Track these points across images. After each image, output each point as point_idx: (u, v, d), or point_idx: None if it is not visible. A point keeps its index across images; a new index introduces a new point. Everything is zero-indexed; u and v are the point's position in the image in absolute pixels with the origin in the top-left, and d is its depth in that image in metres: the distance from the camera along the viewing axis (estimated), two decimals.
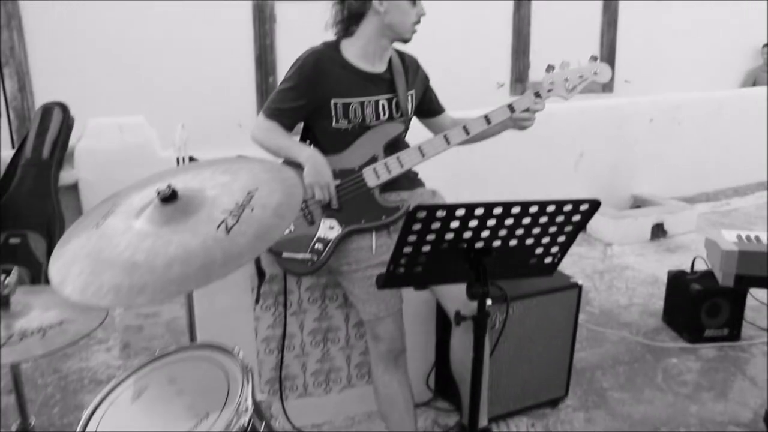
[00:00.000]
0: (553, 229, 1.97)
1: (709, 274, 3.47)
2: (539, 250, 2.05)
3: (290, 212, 1.40)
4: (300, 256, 2.40)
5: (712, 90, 7.17)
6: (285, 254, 2.40)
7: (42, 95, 6.14)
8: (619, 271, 4.79)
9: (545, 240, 2.01)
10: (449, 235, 1.87)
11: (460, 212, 1.81)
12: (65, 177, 4.50)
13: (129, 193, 1.63)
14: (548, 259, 2.11)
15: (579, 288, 2.89)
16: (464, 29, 7.55)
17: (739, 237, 2.62)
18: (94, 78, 6.16)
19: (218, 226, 1.36)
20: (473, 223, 1.85)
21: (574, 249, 5.16)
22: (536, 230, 1.95)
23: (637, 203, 5.97)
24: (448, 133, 2.45)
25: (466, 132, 2.45)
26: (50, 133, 4.41)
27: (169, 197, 1.44)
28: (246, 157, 1.80)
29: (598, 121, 5.79)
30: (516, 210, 1.85)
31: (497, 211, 1.83)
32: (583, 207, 1.91)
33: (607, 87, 8.43)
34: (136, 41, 6.25)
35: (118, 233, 1.45)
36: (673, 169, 6.24)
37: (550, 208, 1.88)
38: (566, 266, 4.76)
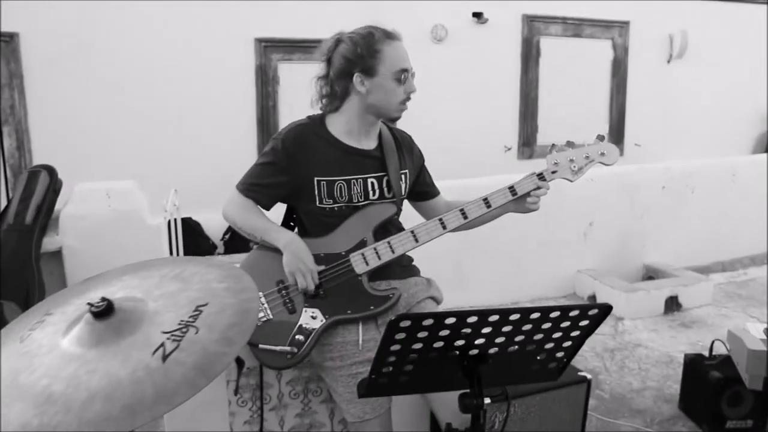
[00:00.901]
0: (558, 335, 1.74)
1: (729, 359, 3.21)
2: (542, 356, 1.82)
3: (241, 337, 1.17)
4: (278, 348, 2.17)
5: (723, 156, 6.99)
6: (262, 346, 2.17)
7: (40, 154, 6.04)
8: (631, 349, 4.52)
9: (549, 345, 1.78)
10: (438, 343, 1.64)
11: (451, 320, 1.58)
12: (49, 243, 4.31)
13: (67, 298, 1.41)
14: (552, 365, 1.88)
15: (588, 383, 2.64)
16: (471, 93, 7.46)
17: (767, 332, 2.38)
18: (93, 139, 6.07)
19: (154, 352, 1.14)
20: (466, 330, 1.63)
21: None
22: (539, 336, 1.72)
23: (650, 274, 5.72)
24: (445, 217, 2.24)
25: (464, 216, 2.24)
26: (35, 198, 4.24)
27: (103, 312, 1.22)
28: (206, 259, 1.58)
29: (609, 189, 5.58)
30: (515, 317, 1.62)
31: (493, 318, 1.61)
32: (592, 312, 1.69)
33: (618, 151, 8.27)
34: (136, 101, 6.17)
35: (42, 352, 1.23)
36: (686, 237, 6.00)
37: (555, 314, 1.65)
38: None
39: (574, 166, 2.29)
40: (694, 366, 3.62)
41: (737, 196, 6.28)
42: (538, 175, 2.29)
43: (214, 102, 6.37)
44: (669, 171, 5.90)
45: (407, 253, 2.34)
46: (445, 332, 1.61)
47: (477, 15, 7.43)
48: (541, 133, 7.73)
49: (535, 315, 1.64)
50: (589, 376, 2.65)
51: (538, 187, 2.28)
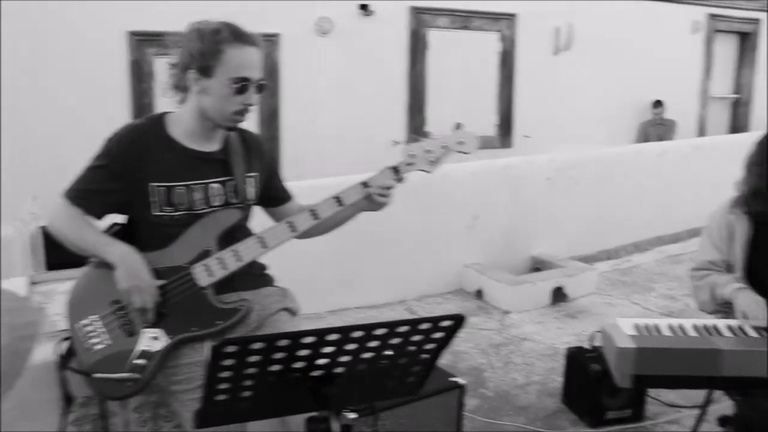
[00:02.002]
0: (411, 349, 1.61)
1: None
2: (397, 372, 1.69)
3: (6, 382, 0.97)
4: (116, 376, 1.95)
5: (609, 146, 7.12)
6: (96, 375, 1.95)
7: None
8: (517, 344, 4.49)
9: (403, 361, 1.65)
10: (276, 367, 1.48)
11: (284, 342, 1.42)
12: None
13: None
14: (410, 379, 1.75)
15: (460, 388, 2.54)
16: (358, 86, 7.33)
17: (636, 327, 2.33)
18: None
19: None
20: (304, 352, 1.47)
21: (468, 320, 4.84)
22: (389, 352, 1.58)
23: (536, 265, 5.74)
24: (294, 219, 2.07)
25: (315, 216, 2.07)
26: None
27: None
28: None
29: (493, 182, 5.55)
30: (358, 334, 1.47)
31: (333, 337, 1.45)
32: (445, 323, 1.56)
33: (506, 142, 8.36)
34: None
35: None
36: (572, 228, 6.06)
37: (403, 329, 1.52)
38: (461, 341, 4.45)
39: (431, 157, 2.16)
40: (575, 359, 3.61)
41: (620, 186, 6.39)
42: (392, 168, 2.15)
43: (84, 100, 5.99)
44: (554, 162, 5.93)
45: (260, 261, 2.17)
46: (280, 354, 1.45)
47: (363, 7, 7.31)
48: (430, 126, 7.68)
49: (381, 331, 1.50)
50: (461, 382, 2.55)
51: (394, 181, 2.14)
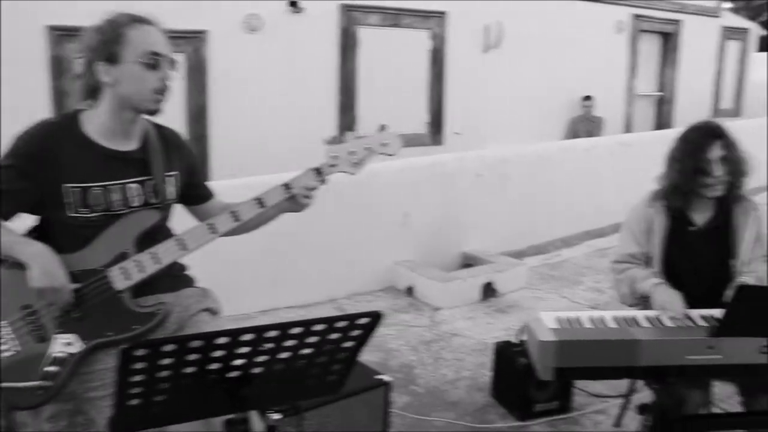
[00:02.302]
0: (329, 347, 1.59)
1: None
2: (316, 371, 1.67)
3: None
4: (26, 384, 1.88)
5: (537, 142, 7.23)
6: (4, 384, 1.87)
7: None
8: (447, 340, 4.52)
9: (321, 359, 1.63)
10: (190, 369, 1.44)
11: (197, 344, 1.39)
12: None
13: None
14: (331, 377, 1.73)
15: (386, 385, 2.53)
16: (288, 84, 7.27)
17: (558, 321, 2.36)
18: None
19: None
20: (219, 353, 1.44)
21: (400, 317, 4.88)
22: (307, 351, 1.56)
23: (467, 261, 5.78)
24: (214, 221, 2.03)
25: (235, 218, 2.04)
26: None
27: None
28: None
29: (424, 179, 5.57)
30: (273, 333, 1.45)
31: (248, 337, 1.43)
32: (363, 321, 1.55)
33: (437, 140, 8.42)
34: None
35: None
36: (502, 224, 6.13)
37: (319, 327, 1.50)
38: (391, 338, 4.47)
39: (355, 159, 2.15)
40: (503, 353, 3.65)
41: (549, 181, 6.49)
42: (314, 169, 2.13)
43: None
44: (483, 159, 5.99)
45: (181, 262, 2.12)
46: (194, 356, 1.42)
47: (293, 4, 7.24)
48: (362, 123, 7.67)
49: (297, 330, 1.48)
50: (387, 379, 2.54)
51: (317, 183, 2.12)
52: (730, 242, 2.77)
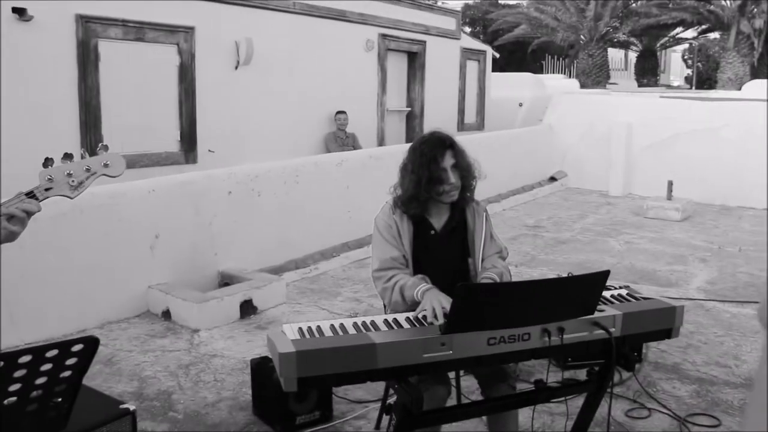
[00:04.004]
0: (42, 380, 1.44)
1: None
2: (32, 407, 1.50)
3: None
4: None
5: (290, 158, 7.27)
6: None
7: None
8: (207, 361, 4.37)
9: (36, 394, 1.47)
10: None
11: None
12: None
13: None
14: (52, 413, 1.57)
15: (131, 414, 2.37)
16: (22, 100, 6.67)
17: (300, 331, 2.36)
18: None
19: None
20: None
21: (157, 342, 4.65)
22: (15, 387, 1.40)
23: (225, 280, 5.66)
24: None
25: None
26: None
27: None
28: None
29: (173, 199, 5.35)
30: None
31: None
32: (77, 347, 1.42)
33: (191, 158, 8.20)
34: None
35: None
36: (258, 240, 6.07)
37: (25, 359, 1.35)
38: (147, 365, 4.24)
39: (73, 181, 2.00)
40: (260, 369, 3.61)
41: (303, 196, 6.54)
42: (27, 193, 1.95)
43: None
44: (234, 176, 5.89)
45: None
46: None
47: (18, 11, 6.62)
48: (107, 143, 7.23)
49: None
50: (131, 408, 2.37)
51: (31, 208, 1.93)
52: (467, 242, 2.96)
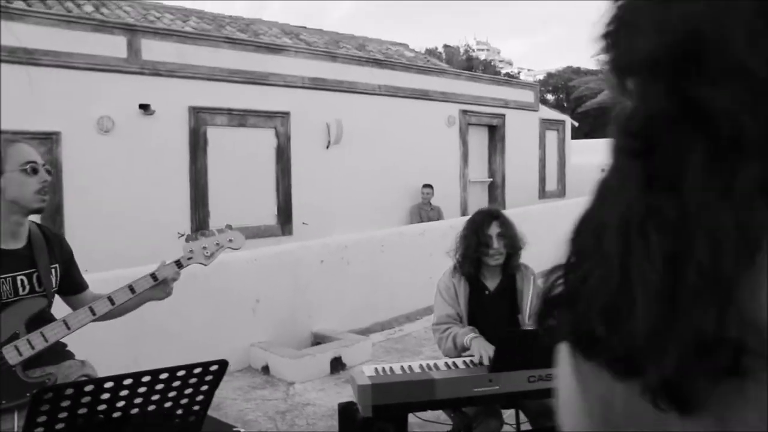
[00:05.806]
0: (189, 390, 2.09)
1: None
2: (180, 411, 2.15)
3: None
4: None
5: (376, 229, 7.95)
6: None
7: None
8: (300, 409, 4.99)
9: (184, 401, 2.12)
10: (82, 410, 1.90)
11: (89, 387, 1.86)
12: None
13: None
14: (191, 418, 2.21)
15: None
16: (142, 183, 7.65)
17: (375, 370, 2.96)
18: None
19: None
20: (105, 396, 1.91)
21: (257, 392, 5.31)
22: (172, 393, 2.05)
23: (317, 340, 6.31)
24: (94, 305, 2.49)
25: (111, 302, 2.51)
26: None
27: None
28: None
29: (272, 267, 6.11)
30: (147, 378, 1.94)
31: (128, 381, 1.91)
32: (213, 368, 2.07)
33: (287, 230, 9.00)
34: None
35: None
36: (347, 304, 6.72)
37: (181, 373, 2.01)
38: (249, 411, 4.89)
39: (207, 252, 2.70)
40: (346, 411, 4.17)
41: (389, 263, 7.19)
42: (176, 262, 2.65)
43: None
44: (326, 246, 6.62)
45: (62, 340, 2.55)
46: (86, 399, 1.88)
47: (144, 107, 7.72)
48: (213, 218, 8.14)
49: (164, 375, 1.97)
50: (242, 431, 3.02)
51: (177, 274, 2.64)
52: (517, 301, 3.51)
